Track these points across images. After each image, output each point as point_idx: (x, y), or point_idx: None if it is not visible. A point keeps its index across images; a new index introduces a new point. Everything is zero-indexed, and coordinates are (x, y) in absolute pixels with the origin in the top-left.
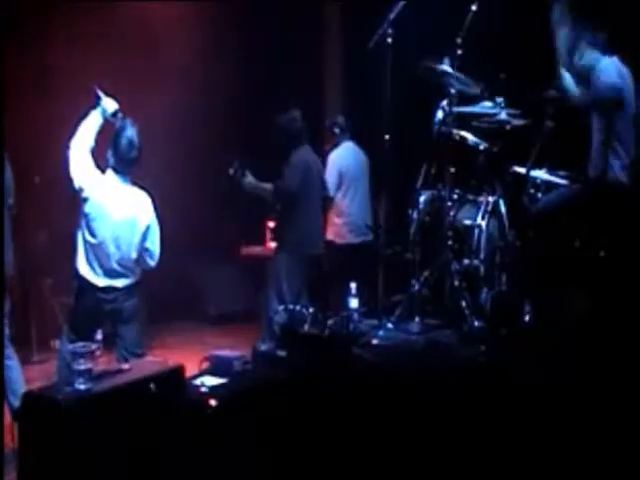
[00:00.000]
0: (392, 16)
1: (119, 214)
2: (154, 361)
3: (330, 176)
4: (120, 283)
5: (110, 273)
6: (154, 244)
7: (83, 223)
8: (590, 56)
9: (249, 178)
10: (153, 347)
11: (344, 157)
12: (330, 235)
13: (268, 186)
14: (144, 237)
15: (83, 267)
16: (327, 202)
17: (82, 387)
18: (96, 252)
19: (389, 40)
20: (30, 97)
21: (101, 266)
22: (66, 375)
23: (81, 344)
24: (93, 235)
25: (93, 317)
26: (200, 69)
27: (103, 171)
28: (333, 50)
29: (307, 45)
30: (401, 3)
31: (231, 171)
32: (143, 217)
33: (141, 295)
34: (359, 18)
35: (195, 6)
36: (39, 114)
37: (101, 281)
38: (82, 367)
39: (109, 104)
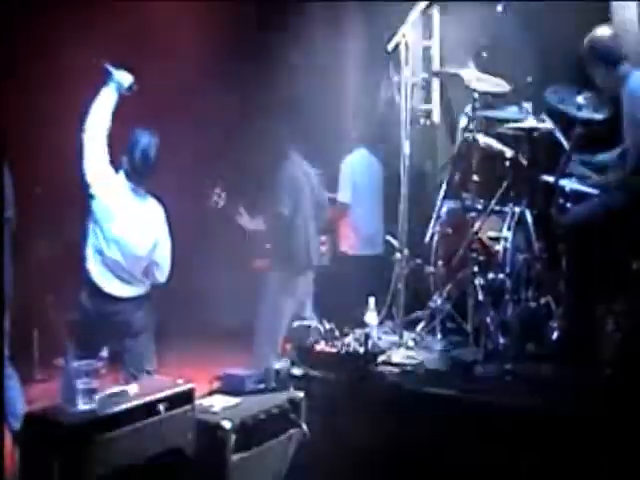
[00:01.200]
0: (412, 17)
1: (125, 221)
2: (163, 380)
3: (344, 183)
4: (127, 292)
5: (117, 278)
6: (164, 258)
7: (91, 222)
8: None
9: (244, 217)
10: (160, 365)
11: (358, 164)
12: (344, 246)
13: (259, 225)
14: (152, 249)
15: (91, 267)
16: (342, 209)
17: (87, 407)
18: (103, 255)
19: (409, 41)
20: (32, 103)
21: (109, 269)
22: (70, 395)
23: (85, 362)
24: (98, 237)
25: (99, 332)
26: (215, 72)
27: (117, 169)
28: (351, 52)
29: (324, 48)
30: (421, 4)
31: (214, 201)
32: (151, 228)
33: (151, 309)
34: (378, 18)
35: (211, 6)
36: (41, 120)
37: (107, 285)
38: (86, 386)
39: (124, 77)
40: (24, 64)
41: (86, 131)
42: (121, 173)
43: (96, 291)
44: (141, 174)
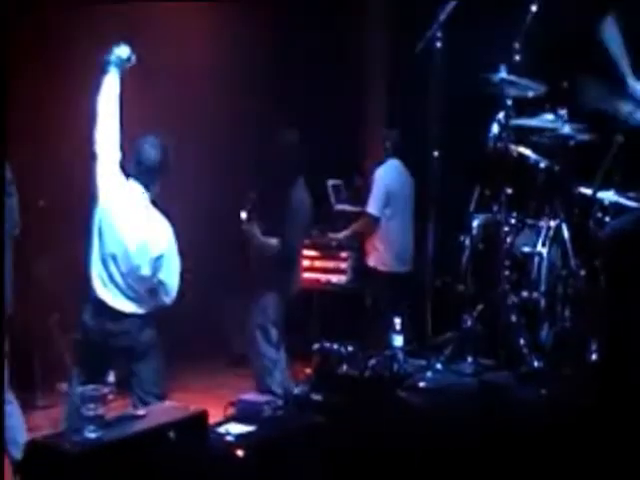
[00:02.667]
0: (442, 17)
1: (127, 232)
2: (173, 406)
3: (377, 196)
4: (132, 308)
5: (122, 294)
6: (170, 278)
7: (96, 234)
8: None
9: (253, 227)
10: (171, 390)
11: (391, 176)
12: (372, 262)
13: (273, 242)
14: (156, 267)
15: (96, 284)
16: (370, 222)
17: (92, 435)
18: (108, 270)
19: (438, 44)
20: (36, 113)
21: (114, 284)
22: (75, 422)
23: (91, 387)
24: (100, 245)
25: (104, 353)
26: (231, 69)
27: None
28: (376, 55)
29: (347, 49)
30: (452, 3)
31: (244, 215)
32: (155, 244)
33: (157, 328)
34: (406, 19)
35: (229, 4)
36: (45, 130)
37: (112, 300)
38: (92, 413)
39: (122, 50)
40: (27, 74)
41: (97, 139)
42: (131, 181)
43: (101, 309)
44: (146, 184)
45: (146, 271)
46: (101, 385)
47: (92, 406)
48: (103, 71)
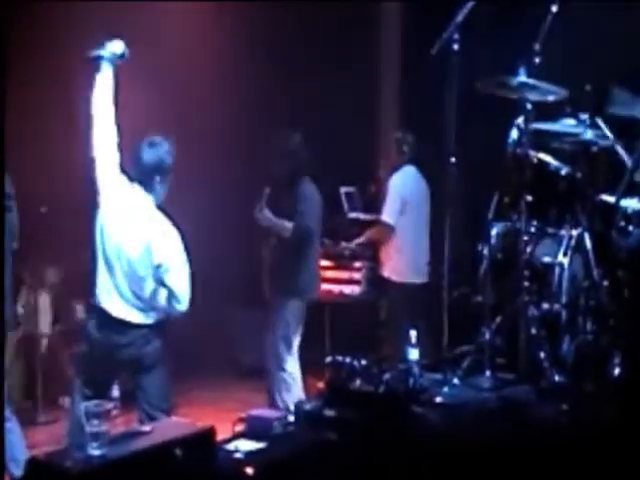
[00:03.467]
0: (459, 18)
1: (128, 238)
2: (180, 422)
3: (392, 203)
4: (138, 318)
5: (126, 303)
6: (178, 285)
7: (98, 238)
8: None
9: (265, 211)
10: (178, 405)
11: (407, 183)
12: (386, 272)
13: (287, 224)
14: (160, 275)
15: (100, 292)
16: (386, 231)
17: (96, 452)
18: (109, 272)
19: (455, 46)
20: (37, 116)
21: (118, 292)
22: (77, 438)
23: (95, 402)
24: (102, 252)
25: (108, 366)
26: (245, 70)
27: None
28: (390, 56)
29: (361, 50)
30: (470, 3)
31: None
32: (158, 250)
33: (165, 339)
34: (421, 20)
35: (242, 5)
36: (47, 135)
37: (116, 310)
38: (96, 429)
39: (115, 46)
40: (27, 77)
41: (93, 142)
42: (134, 184)
43: (105, 319)
44: (147, 187)
45: (149, 279)
46: (105, 400)
47: (96, 422)
48: (95, 68)
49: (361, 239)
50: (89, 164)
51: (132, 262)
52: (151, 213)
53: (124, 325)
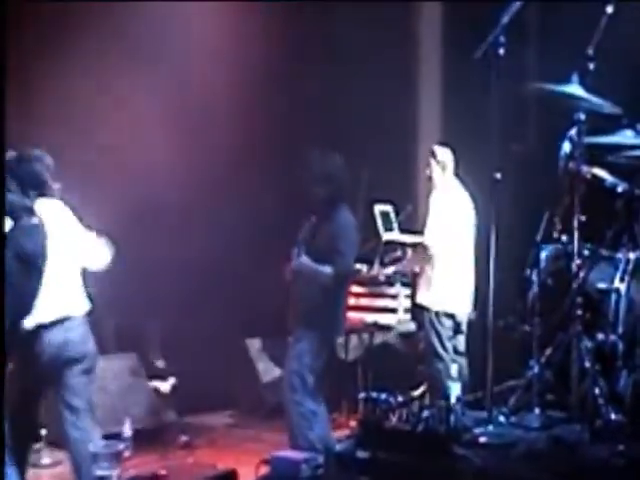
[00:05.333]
0: (506, 20)
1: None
2: (198, 464)
3: (434, 225)
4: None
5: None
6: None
7: None
8: None
9: (304, 259)
10: (197, 446)
11: (452, 202)
12: (425, 300)
13: (328, 270)
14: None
15: None
16: (427, 254)
17: None
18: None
19: (501, 50)
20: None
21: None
22: None
23: (104, 442)
24: None
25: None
26: (276, 85)
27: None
28: (430, 62)
29: (398, 56)
30: (517, 3)
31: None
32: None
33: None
34: (464, 22)
35: (274, 15)
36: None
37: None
38: (106, 473)
39: None
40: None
41: None
42: None
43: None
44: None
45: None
46: (115, 441)
47: (106, 465)
48: None
49: (400, 267)
50: None
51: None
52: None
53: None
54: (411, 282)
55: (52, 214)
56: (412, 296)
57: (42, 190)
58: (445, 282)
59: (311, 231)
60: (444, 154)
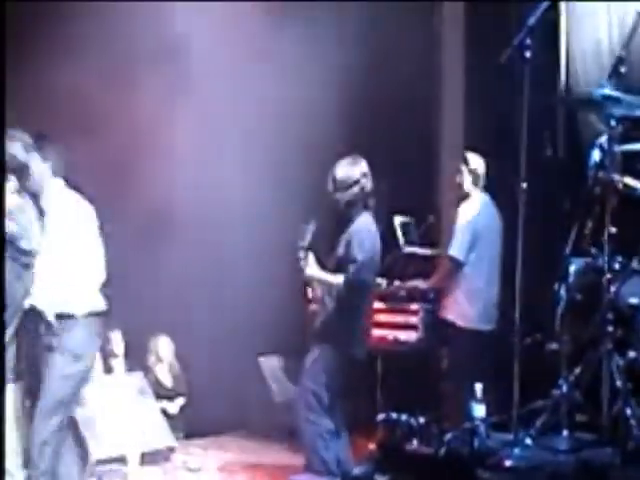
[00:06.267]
0: (532, 21)
1: None
2: None
3: (462, 237)
4: None
5: None
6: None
7: None
8: None
9: (312, 266)
10: (208, 469)
11: (480, 214)
12: (451, 315)
13: (335, 280)
14: None
15: None
16: (452, 268)
17: None
18: None
19: (527, 53)
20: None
21: None
22: None
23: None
24: None
25: None
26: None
27: None
28: (453, 66)
29: (418, 60)
30: (545, 3)
31: (301, 253)
32: None
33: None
34: (488, 24)
35: (291, 24)
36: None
37: None
38: None
39: None
40: None
41: None
42: None
43: None
44: None
45: None
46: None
47: None
48: None
49: (425, 284)
50: None
51: None
52: None
53: None
54: (434, 297)
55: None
56: (434, 311)
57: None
58: (472, 297)
59: (323, 234)
60: (477, 162)
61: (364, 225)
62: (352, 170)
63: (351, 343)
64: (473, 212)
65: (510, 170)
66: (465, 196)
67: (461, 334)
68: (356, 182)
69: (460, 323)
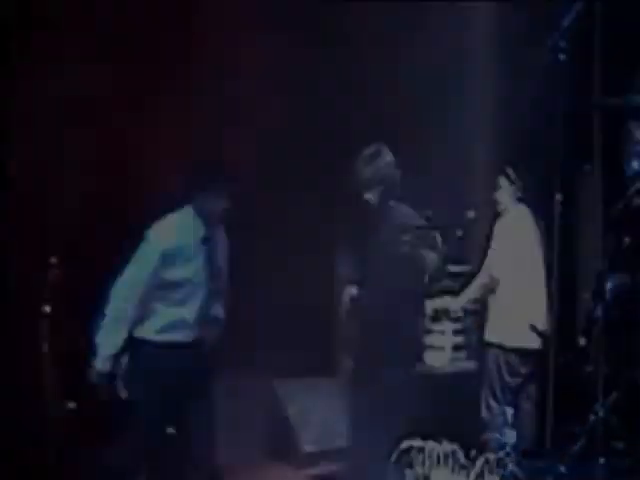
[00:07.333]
0: (567, 23)
1: None
2: None
3: (501, 252)
4: None
5: None
6: None
7: None
8: None
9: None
10: None
11: (521, 228)
12: (492, 336)
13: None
14: None
15: None
16: (491, 287)
17: None
18: None
19: (562, 56)
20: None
21: None
22: None
23: None
24: None
25: None
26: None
27: None
28: (484, 69)
29: (448, 68)
30: (579, 3)
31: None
32: None
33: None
34: (519, 25)
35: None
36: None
37: None
38: None
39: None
40: None
41: None
42: None
43: None
44: None
45: None
46: None
47: None
48: None
49: (461, 299)
50: None
51: None
52: None
53: None
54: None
55: None
56: (461, 331)
57: None
58: (514, 315)
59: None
60: (516, 176)
61: (404, 213)
62: (376, 162)
63: (410, 351)
64: (515, 226)
65: (545, 182)
66: (504, 212)
67: (503, 354)
68: (385, 176)
69: (503, 343)
